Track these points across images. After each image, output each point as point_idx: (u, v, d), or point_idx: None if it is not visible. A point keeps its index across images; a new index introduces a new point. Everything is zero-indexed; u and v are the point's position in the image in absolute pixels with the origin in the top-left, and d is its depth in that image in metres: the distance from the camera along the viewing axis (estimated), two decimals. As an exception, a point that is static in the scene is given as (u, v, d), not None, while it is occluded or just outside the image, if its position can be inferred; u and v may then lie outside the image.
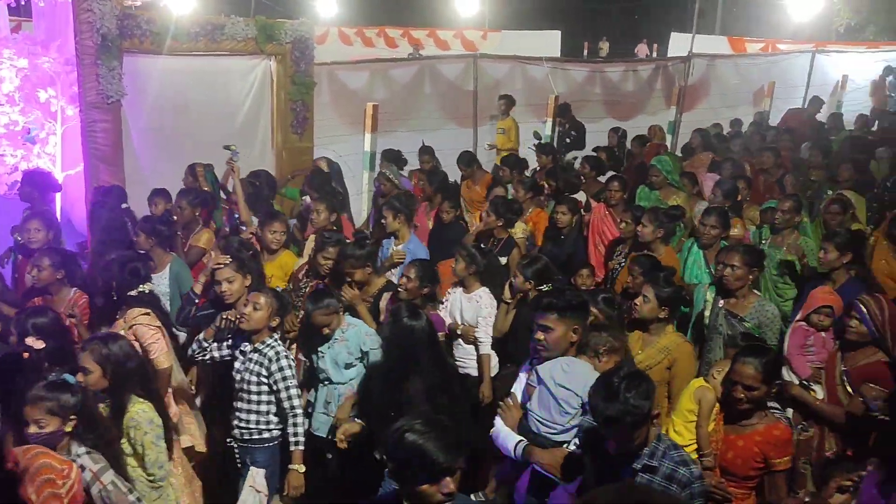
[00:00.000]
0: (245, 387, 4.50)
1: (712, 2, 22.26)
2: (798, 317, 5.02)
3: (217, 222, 7.46)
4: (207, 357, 4.79)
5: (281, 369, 4.42)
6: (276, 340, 4.54)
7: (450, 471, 2.50)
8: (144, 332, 4.61)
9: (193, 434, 4.82)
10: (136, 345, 4.41)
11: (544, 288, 5.17)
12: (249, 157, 8.64)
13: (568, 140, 11.29)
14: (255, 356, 4.50)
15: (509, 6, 24.63)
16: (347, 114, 10.07)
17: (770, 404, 3.94)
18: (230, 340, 4.73)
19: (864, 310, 4.44)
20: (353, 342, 4.81)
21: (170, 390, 4.72)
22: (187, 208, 6.76)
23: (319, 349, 4.87)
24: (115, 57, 7.81)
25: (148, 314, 4.66)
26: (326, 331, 4.80)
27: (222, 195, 8.03)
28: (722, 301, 5.17)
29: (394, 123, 10.49)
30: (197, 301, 5.18)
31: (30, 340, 3.96)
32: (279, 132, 9.07)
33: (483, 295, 5.55)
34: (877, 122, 13.64)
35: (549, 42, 20.06)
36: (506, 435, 3.78)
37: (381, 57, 11.24)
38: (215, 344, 4.74)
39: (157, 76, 8.33)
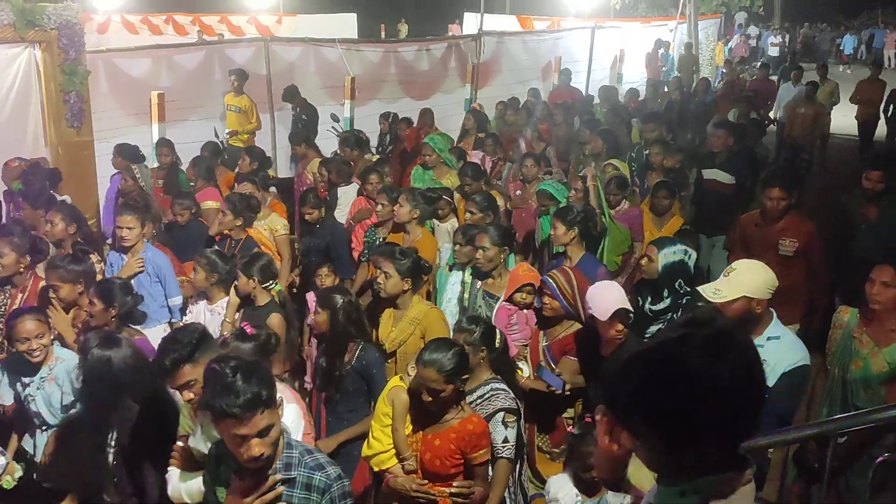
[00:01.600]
0: None
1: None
2: (502, 297, 5.01)
3: None
4: None
5: None
6: None
7: None
8: None
9: None
10: None
11: (272, 286, 4.95)
12: (22, 150, 7.93)
13: (300, 125, 10.67)
14: None
15: (304, -10, 24.29)
16: (130, 104, 9.50)
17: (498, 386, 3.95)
18: None
19: (554, 284, 4.54)
20: (65, 379, 4.04)
21: None
22: None
23: (27, 390, 4.07)
24: None
25: None
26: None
27: None
28: (480, 283, 5.23)
29: (183, 112, 10.02)
30: None
31: None
32: (52, 126, 8.34)
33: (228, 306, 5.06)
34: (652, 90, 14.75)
35: (345, 25, 19.97)
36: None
37: (159, 43, 10.64)
38: None
39: None
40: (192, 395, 3.17)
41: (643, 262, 5.12)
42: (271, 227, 6.61)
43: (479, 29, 14.10)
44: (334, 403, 4.40)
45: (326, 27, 17.89)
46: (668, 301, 4.93)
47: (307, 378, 5.22)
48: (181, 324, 5.23)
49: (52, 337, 4.03)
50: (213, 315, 5.00)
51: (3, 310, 4.73)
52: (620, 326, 4.17)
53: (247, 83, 10.47)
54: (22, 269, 4.84)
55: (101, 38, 14.95)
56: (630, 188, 7.14)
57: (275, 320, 4.68)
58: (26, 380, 3.96)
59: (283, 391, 3.38)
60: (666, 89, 14.59)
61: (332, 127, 10.54)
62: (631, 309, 4.27)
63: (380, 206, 6.45)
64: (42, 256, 5.01)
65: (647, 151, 8.65)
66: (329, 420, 4.45)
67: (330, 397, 4.39)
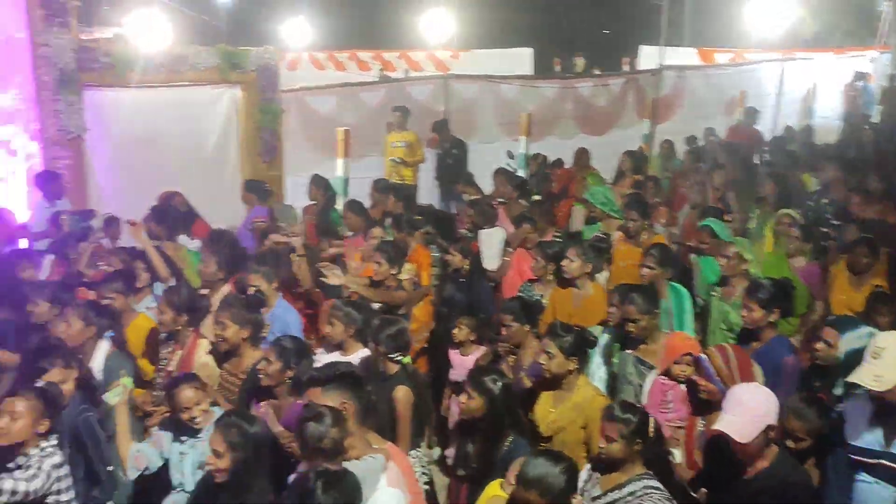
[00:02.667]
0: None
1: (680, 14, 22.43)
2: (657, 370, 4.45)
3: None
4: None
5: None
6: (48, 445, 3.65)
7: None
8: None
9: None
10: None
11: (398, 358, 4.47)
12: (219, 187, 8.51)
13: (449, 161, 10.47)
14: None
15: (480, 26, 24.69)
16: (318, 139, 9.95)
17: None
18: None
19: (709, 364, 3.90)
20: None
21: None
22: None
23: (182, 447, 3.97)
24: (75, 91, 7.69)
25: None
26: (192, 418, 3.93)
27: None
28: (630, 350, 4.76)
29: (366, 148, 10.37)
30: None
31: None
32: (247, 161, 8.93)
33: (365, 355, 4.71)
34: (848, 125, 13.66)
35: (520, 60, 20.07)
36: None
37: (351, 81, 11.16)
38: None
39: (120, 109, 8.21)
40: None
41: (819, 346, 4.30)
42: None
43: (660, 63, 13.69)
44: (475, 495, 3.87)
45: (502, 63, 18.04)
46: (839, 391, 4.18)
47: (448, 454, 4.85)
48: None
49: (210, 401, 3.98)
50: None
51: (164, 362, 4.86)
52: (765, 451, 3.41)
53: (425, 119, 10.70)
54: (180, 327, 4.81)
55: (292, 75, 15.93)
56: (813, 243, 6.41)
57: (400, 393, 4.32)
58: (184, 438, 3.95)
59: (390, 474, 3.29)
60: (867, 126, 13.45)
61: (507, 164, 10.52)
62: (775, 424, 3.44)
63: (534, 262, 5.95)
64: (201, 314, 4.94)
65: (824, 200, 7.87)
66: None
67: (475, 488, 3.90)
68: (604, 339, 5.01)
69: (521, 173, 10.96)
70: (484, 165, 9.99)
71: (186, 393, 3.86)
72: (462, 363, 5.23)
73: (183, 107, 8.54)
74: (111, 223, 6.98)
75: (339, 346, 4.71)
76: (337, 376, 3.47)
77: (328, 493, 2.76)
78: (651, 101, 13.22)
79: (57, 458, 3.62)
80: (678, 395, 4.28)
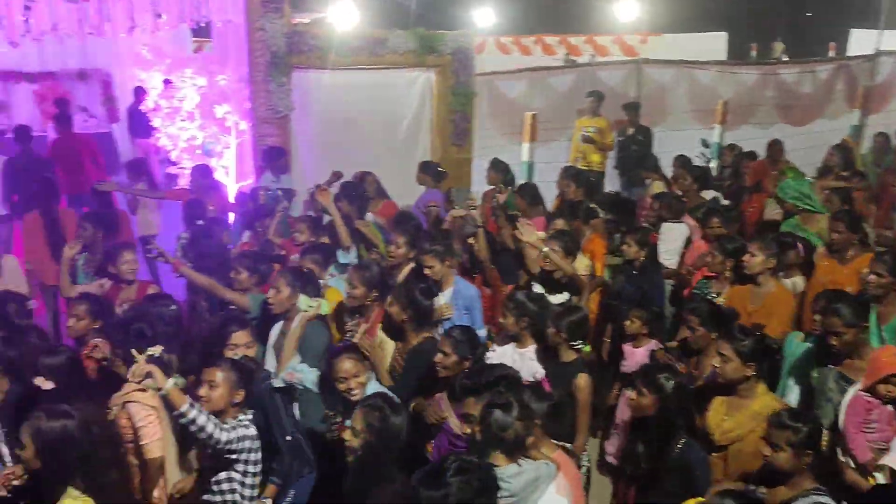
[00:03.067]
0: (210, 475, 3.77)
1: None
2: (859, 386, 4.04)
3: None
4: None
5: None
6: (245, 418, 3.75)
7: None
8: (137, 411, 3.90)
9: None
10: (129, 425, 3.88)
11: (579, 346, 4.43)
12: (411, 169, 8.70)
13: (634, 147, 9.90)
14: None
15: (670, 9, 23.71)
16: (506, 123, 9.97)
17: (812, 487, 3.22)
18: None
19: None
20: None
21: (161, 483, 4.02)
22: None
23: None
24: (285, 73, 8.13)
25: (145, 390, 3.87)
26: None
27: None
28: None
29: (551, 133, 10.28)
30: None
31: (39, 381, 3.85)
32: (439, 143, 9.10)
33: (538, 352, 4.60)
34: None
35: (713, 45, 19.15)
36: None
37: (539, 65, 11.05)
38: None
39: (322, 90, 8.60)
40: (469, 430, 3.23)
41: None
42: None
43: (876, 48, 12.52)
44: (646, 498, 3.82)
45: (694, 47, 17.28)
46: None
47: (609, 450, 4.81)
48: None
49: (368, 375, 4.00)
50: (523, 359, 4.57)
51: (350, 335, 4.98)
52: None
53: (615, 104, 10.41)
54: (369, 302, 4.94)
55: (478, 59, 16.07)
56: None
57: (582, 381, 4.25)
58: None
59: (560, 482, 3.14)
60: None
61: (701, 153, 10.05)
62: None
63: (710, 258, 5.55)
64: (389, 291, 4.99)
65: None
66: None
67: (641, 490, 3.84)
68: (800, 348, 4.61)
69: (713, 163, 10.47)
70: (674, 154, 9.58)
71: (345, 364, 3.86)
72: (633, 355, 5.10)
73: (380, 89, 8.83)
74: (290, 196, 7.24)
75: (514, 338, 4.64)
76: (486, 385, 3.35)
77: (461, 481, 2.60)
78: (863, 89, 12.15)
79: (252, 432, 3.66)
80: (884, 415, 3.90)
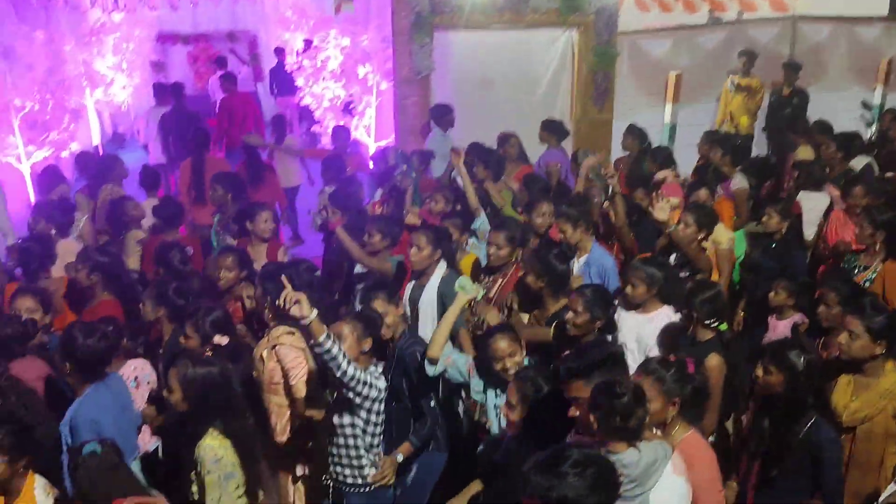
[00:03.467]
0: (336, 420, 3.91)
1: None
2: None
3: None
4: None
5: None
6: (375, 370, 3.86)
7: None
8: (287, 353, 4.06)
9: None
10: (277, 367, 4.07)
11: (715, 324, 4.15)
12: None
13: (788, 110, 9.18)
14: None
15: (826, -41, 22.12)
16: (648, 84, 9.65)
17: None
18: None
19: None
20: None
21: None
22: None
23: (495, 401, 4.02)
24: (427, 33, 8.18)
25: (293, 333, 4.08)
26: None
27: None
28: None
29: (695, 94, 9.88)
30: None
31: (217, 339, 3.98)
32: (578, 104, 8.95)
33: (666, 315, 4.42)
34: None
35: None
36: None
37: (683, 23, 10.56)
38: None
39: (462, 50, 8.59)
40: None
41: None
42: (715, 240, 5.55)
43: None
44: (769, 475, 3.64)
45: (853, 2, 16.00)
46: None
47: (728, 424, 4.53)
48: None
49: (523, 354, 3.93)
50: (651, 324, 4.43)
51: (484, 290, 4.90)
52: None
53: (767, 64, 9.87)
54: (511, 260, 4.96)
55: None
56: None
57: (713, 361, 4.03)
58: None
59: (676, 461, 2.99)
60: None
61: (861, 115, 9.40)
62: None
63: (859, 230, 5.13)
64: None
65: None
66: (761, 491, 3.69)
67: (766, 468, 3.67)
68: None
69: (873, 127, 9.78)
70: (830, 117, 9.00)
71: (501, 343, 3.82)
72: (776, 328, 4.88)
73: (521, 49, 8.73)
74: (424, 157, 7.26)
75: (639, 306, 4.48)
76: (594, 365, 3.14)
77: (576, 474, 2.40)
78: None
79: (381, 384, 3.78)
80: None
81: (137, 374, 4.15)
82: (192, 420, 3.42)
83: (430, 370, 4.00)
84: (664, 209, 4.99)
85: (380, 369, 3.91)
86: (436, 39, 8.41)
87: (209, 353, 3.83)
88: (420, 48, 8.19)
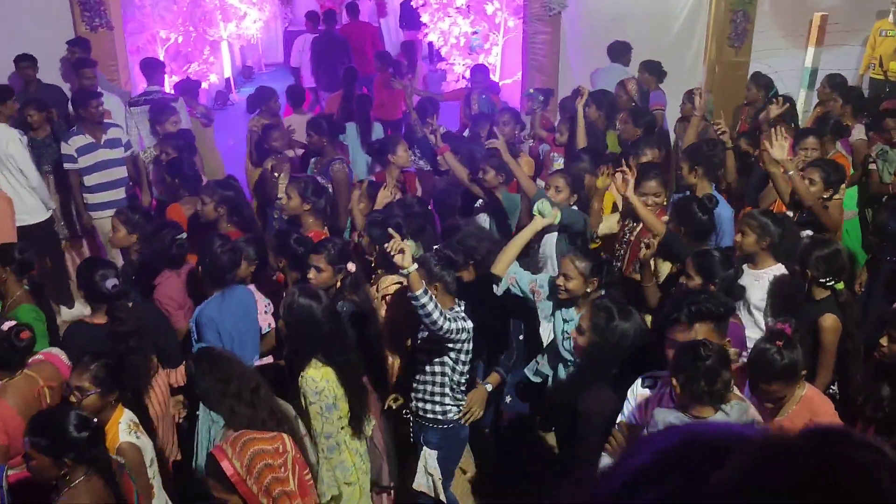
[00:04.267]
0: (423, 357, 3.91)
1: None
2: None
3: None
4: None
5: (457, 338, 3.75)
6: (460, 310, 3.84)
7: None
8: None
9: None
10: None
11: (831, 283, 3.94)
12: (679, 70, 8.33)
13: None
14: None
15: None
16: (789, 25, 9.15)
17: None
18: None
19: None
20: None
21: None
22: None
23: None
24: (561, -31, 8.01)
25: (401, 283, 4.11)
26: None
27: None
28: None
29: (842, 36, 9.30)
30: None
31: (350, 266, 4.02)
32: (714, 45, 8.61)
33: (778, 272, 4.24)
34: None
35: None
36: None
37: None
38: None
39: (595, -14, 8.38)
40: None
41: None
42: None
43: None
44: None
45: None
46: None
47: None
48: None
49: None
50: (759, 281, 4.28)
51: (627, 237, 4.95)
52: None
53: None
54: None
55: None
56: None
57: (828, 322, 3.88)
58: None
59: (754, 414, 2.96)
60: None
61: None
62: None
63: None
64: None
65: None
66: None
67: (879, 432, 3.45)
68: None
69: None
70: None
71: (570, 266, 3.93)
72: None
73: (655, -15, 8.45)
74: (547, 94, 7.31)
75: (749, 259, 4.32)
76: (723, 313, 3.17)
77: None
78: None
79: (469, 325, 3.74)
80: None
81: (266, 308, 4.39)
82: (293, 347, 3.57)
83: (495, 289, 4.04)
84: (783, 147, 4.76)
85: (462, 306, 3.88)
86: (569, -25, 8.24)
87: (338, 285, 3.97)
88: (554, -16, 8.05)
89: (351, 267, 4.07)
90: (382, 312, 4.22)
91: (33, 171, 5.92)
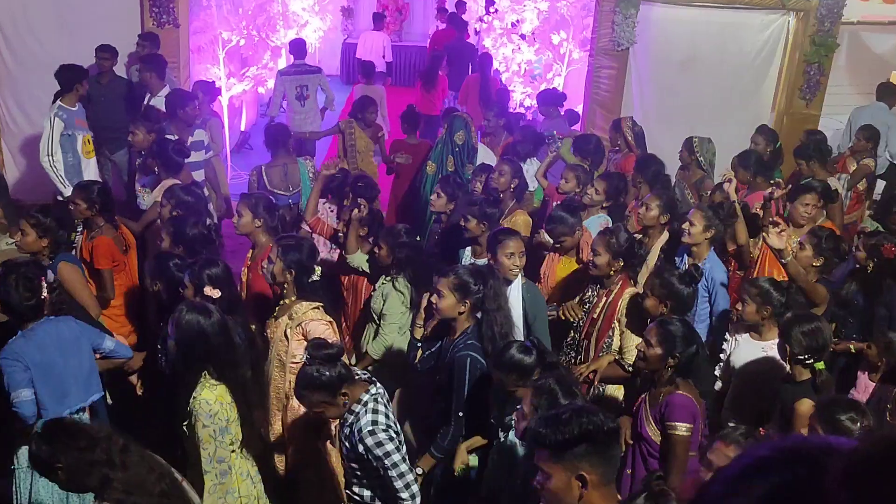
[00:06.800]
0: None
1: None
2: None
3: None
4: None
5: None
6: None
7: None
8: (316, 328, 3.87)
9: None
10: (302, 344, 3.73)
11: (810, 360, 3.63)
12: (744, 120, 8.07)
13: None
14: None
15: None
16: (866, 82, 8.86)
17: None
18: None
19: None
20: None
21: None
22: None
23: None
24: (633, 5, 7.85)
25: (318, 308, 3.96)
26: None
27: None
28: None
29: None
30: None
31: (208, 290, 3.82)
32: (784, 96, 8.34)
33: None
34: None
35: None
36: None
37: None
38: None
39: (667, 26, 8.19)
40: None
41: None
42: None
43: None
44: None
45: None
46: None
47: None
48: None
49: None
50: (766, 352, 4.07)
51: (588, 306, 4.61)
52: None
53: None
54: (613, 272, 4.28)
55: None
56: None
57: (803, 407, 3.59)
58: None
59: None
60: None
61: None
62: None
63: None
64: (637, 262, 4.70)
65: None
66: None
67: None
68: None
69: None
70: None
71: None
72: (865, 387, 4.22)
73: (729, 30, 8.21)
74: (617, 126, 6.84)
75: (753, 328, 4.08)
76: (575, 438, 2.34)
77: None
78: None
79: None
80: None
81: None
82: (184, 366, 3.35)
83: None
84: (781, 237, 4.24)
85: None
86: (640, 12, 8.05)
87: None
88: (624, 19, 7.87)
89: (212, 293, 3.82)
90: (295, 343, 3.89)
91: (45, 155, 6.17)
